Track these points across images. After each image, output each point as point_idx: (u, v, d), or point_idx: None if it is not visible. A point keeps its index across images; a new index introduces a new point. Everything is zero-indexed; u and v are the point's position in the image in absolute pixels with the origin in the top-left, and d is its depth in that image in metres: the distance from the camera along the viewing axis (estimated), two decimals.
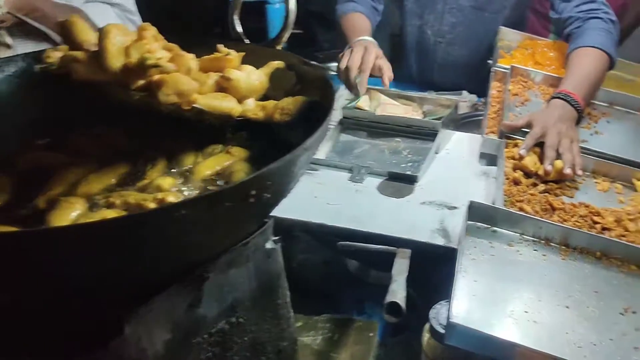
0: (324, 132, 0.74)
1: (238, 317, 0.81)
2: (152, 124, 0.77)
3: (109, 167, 0.73)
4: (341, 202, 1.23)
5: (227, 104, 0.76)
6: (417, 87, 1.94)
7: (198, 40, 0.96)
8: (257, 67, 0.87)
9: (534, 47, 1.84)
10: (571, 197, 1.25)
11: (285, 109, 0.80)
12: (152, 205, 0.64)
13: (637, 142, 1.47)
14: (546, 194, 1.23)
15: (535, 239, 1.08)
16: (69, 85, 0.77)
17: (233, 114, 0.77)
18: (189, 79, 0.72)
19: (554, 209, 1.17)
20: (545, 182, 1.27)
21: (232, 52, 0.82)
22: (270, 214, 0.81)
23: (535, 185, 1.26)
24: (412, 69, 2.12)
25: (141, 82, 0.69)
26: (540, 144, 1.33)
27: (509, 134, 1.40)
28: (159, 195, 0.65)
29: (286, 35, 0.95)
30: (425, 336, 0.95)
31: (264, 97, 0.88)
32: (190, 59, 0.74)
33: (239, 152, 0.80)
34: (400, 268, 1.00)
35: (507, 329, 0.88)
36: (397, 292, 0.92)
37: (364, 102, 1.53)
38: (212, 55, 0.81)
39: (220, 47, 0.82)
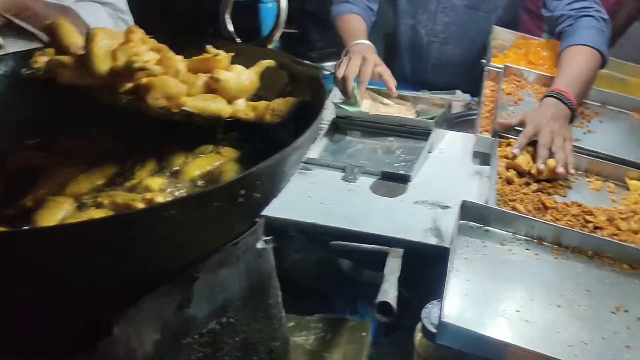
0: (315, 131, 0.74)
1: (229, 317, 0.80)
2: (141, 124, 0.76)
3: (97, 167, 0.73)
4: (334, 201, 1.22)
5: (216, 106, 0.76)
6: (410, 87, 1.94)
7: (190, 41, 0.96)
8: (249, 67, 0.87)
9: (527, 47, 1.84)
10: (564, 196, 1.25)
11: (276, 110, 0.79)
12: (140, 205, 0.64)
13: (629, 141, 1.47)
14: (539, 193, 1.23)
15: (527, 238, 1.08)
16: (59, 86, 0.77)
17: (223, 115, 0.77)
18: (178, 82, 0.72)
19: (546, 208, 1.17)
20: (538, 181, 1.27)
21: (222, 52, 0.81)
22: (262, 214, 0.80)
23: (528, 184, 1.26)
24: (406, 68, 2.12)
25: (129, 85, 0.68)
26: (533, 143, 1.33)
27: (503, 132, 1.40)
28: (148, 196, 0.65)
29: (277, 34, 0.94)
30: (418, 335, 0.95)
31: (256, 96, 0.88)
32: (178, 61, 0.73)
33: (229, 153, 0.79)
34: (392, 267, 1.00)
35: (499, 329, 0.88)
36: (389, 292, 0.91)
37: (366, 105, 1.52)
38: (202, 56, 0.80)
39: (209, 47, 0.82)
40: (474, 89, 1.76)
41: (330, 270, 1.30)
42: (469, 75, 1.94)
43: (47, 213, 0.64)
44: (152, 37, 0.93)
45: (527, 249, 1.05)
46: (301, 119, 0.75)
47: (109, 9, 1.44)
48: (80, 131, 0.84)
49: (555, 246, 1.06)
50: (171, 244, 0.62)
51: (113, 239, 0.55)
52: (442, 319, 0.85)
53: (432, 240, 1.10)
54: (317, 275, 1.31)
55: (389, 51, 2.13)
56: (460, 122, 1.67)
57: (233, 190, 0.60)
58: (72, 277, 0.57)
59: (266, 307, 0.86)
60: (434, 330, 0.88)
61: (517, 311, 0.91)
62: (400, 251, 1.06)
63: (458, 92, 1.83)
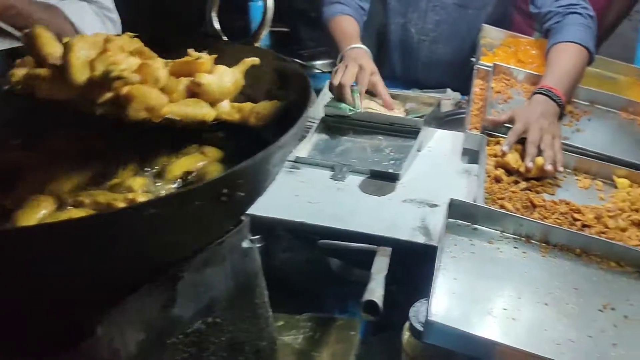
0: (300, 129, 0.73)
1: (214, 317, 0.79)
2: (124, 124, 0.75)
3: (79, 167, 0.72)
4: (322, 200, 1.22)
5: (199, 111, 0.75)
6: (401, 85, 1.94)
7: (176, 40, 0.95)
8: (235, 65, 0.86)
9: (516, 45, 1.84)
10: (552, 195, 1.25)
11: (261, 113, 0.79)
12: (121, 205, 0.63)
13: (617, 139, 1.48)
14: (527, 192, 1.23)
15: (515, 237, 1.08)
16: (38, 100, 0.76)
17: (207, 119, 0.76)
18: (158, 93, 0.71)
19: (534, 206, 1.17)
20: (527, 179, 1.27)
21: (204, 55, 0.80)
22: (248, 213, 0.80)
23: (516, 182, 1.26)
24: (396, 67, 2.12)
25: (108, 95, 0.67)
26: (523, 141, 1.33)
27: (491, 131, 1.40)
28: (130, 195, 0.64)
29: (264, 32, 0.94)
30: (406, 334, 0.94)
31: (243, 95, 0.87)
32: (159, 68, 0.72)
33: (212, 153, 0.78)
34: (380, 266, 1.00)
35: (486, 327, 0.88)
36: (375, 291, 0.91)
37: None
38: (184, 59, 0.79)
39: (191, 51, 0.81)
40: (465, 88, 1.76)
41: (319, 269, 1.29)
42: (459, 73, 1.94)
43: (26, 212, 0.63)
44: (137, 36, 0.93)
45: (515, 247, 1.05)
46: (287, 119, 0.75)
47: (94, 7, 1.42)
48: (65, 132, 0.83)
49: (543, 244, 1.06)
50: (153, 243, 0.61)
51: (93, 238, 0.54)
52: (429, 318, 0.85)
53: (420, 239, 1.10)
54: (306, 274, 1.31)
55: (380, 50, 2.13)
56: (450, 121, 1.66)
57: (215, 189, 0.60)
58: (52, 277, 0.57)
59: (253, 306, 0.86)
60: (421, 329, 0.88)
61: (505, 309, 0.91)
62: (388, 250, 1.06)
63: (448, 90, 1.83)
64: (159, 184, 0.73)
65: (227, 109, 0.79)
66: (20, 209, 0.65)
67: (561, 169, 1.28)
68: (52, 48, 0.72)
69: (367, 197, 1.24)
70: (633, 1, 2.48)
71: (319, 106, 1.56)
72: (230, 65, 0.87)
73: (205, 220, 0.66)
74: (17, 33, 1.19)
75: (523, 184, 1.25)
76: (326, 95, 1.66)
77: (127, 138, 0.75)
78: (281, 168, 0.77)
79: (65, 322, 0.64)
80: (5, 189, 0.72)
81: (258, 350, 0.89)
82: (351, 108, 1.46)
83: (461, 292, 0.94)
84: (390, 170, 1.31)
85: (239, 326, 0.84)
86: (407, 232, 1.12)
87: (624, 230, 1.13)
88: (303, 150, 1.38)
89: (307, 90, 0.79)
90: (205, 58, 0.79)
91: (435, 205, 1.20)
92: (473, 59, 1.79)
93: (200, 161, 0.76)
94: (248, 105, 0.81)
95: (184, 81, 0.77)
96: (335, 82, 1.49)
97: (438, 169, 1.36)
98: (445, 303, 0.91)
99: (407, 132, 1.44)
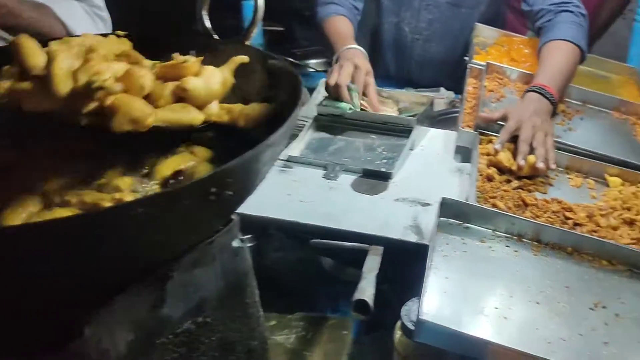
0: (290, 128, 0.73)
1: (205, 317, 0.79)
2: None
3: (66, 166, 0.71)
4: (315, 199, 1.22)
5: (187, 116, 0.74)
6: (395, 84, 1.94)
7: (166, 39, 0.95)
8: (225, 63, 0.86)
9: (509, 44, 1.85)
10: (544, 193, 1.25)
11: (250, 115, 0.78)
12: (108, 204, 0.62)
13: (609, 139, 1.48)
14: (519, 190, 1.23)
15: (507, 235, 1.08)
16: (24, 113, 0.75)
17: (195, 124, 0.76)
18: (142, 104, 0.70)
19: (526, 205, 1.17)
20: (519, 178, 1.27)
21: (190, 57, 0.79)
22: (238, 212, 0.79)
23: (508, 181, 1.26)
24: (390, 66, 2.12)
25: (92, 105, 0.67)
26: (515, 140, 1.33)
27: (484, 128, 1.40)
28: (117, 195, 0.64)
29: (254, 31, 0.93)
30: (397, 333, 0.94)
31: (235, 94, 0.87)
32: (143, 76, 0.71)
33: (202, 153, 0.78)
34: (371, 265, 0.99)
35: (477, 326, 0.87)
36: (366, 290, 0.91)
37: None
38: (170, 62, 0.78)
39: (176, 55, 0.80)
40: (458, 87, 1.76)
41: (311, 268, 1.29)
42: (453, 72, 1.94)
43: (12, 212, 0.63)
44: (127, 35, 0.92)
45: (507, 246, 1.05)
46: (278, 118, 0.74)
47: (85, 6, 1.41)
48: (52, 131, 0.82)
49: (535, 243, 1.06)
50: (141, 243, 0.61)
51: (79, 238, 0.54)
52: (420, 317, 0.85)
53: (412, 238, 1.10)
54: (298, 274, 1.30)
55: (373, 49, 2.12)
56: (444, 120, 1.66)
57: (203, 188, 0.59)
58: (38, 277, 0.56)
59: (243, 306, 0.85)
60: (412, 328, 0.88)
61: (496, 308, 0.91)
62: (380, 249, 1.06)
63: (442, 89, 1.83)
64: (147, 184, 0.72)
65: (215, 111, 0.78)
66: (5, 208, 0.64)
67: (553, 166, 1.28)
68: (36, 59, 0.71)
69: (359, 196, 1.24)
70: (626, 0, 2.49)
71: (312, 105, 1.56)
72: (221, 63, 0.87)
73: (194, 219, 0.65)
74: (6, 35, 1.18)
75: (515, 183, 1.25)
76: (320, 94, 1.66)
77: (115, 138, 0.75)
78: (271, 167, 0.77)
79: (52, 323, 0.64)
80: None
81: (249, 350, 0.88)
82: (351, 107, 1.46)
83: (452, 291, 0.93)
84: (383, 169, 1.31)
85: (230, 326, 0.84)
86: (399, 231, 1.12)
87: (615, 228, 1.13)
88: (295, 149, 1.38)
89: (297, 88, 0.78)
90: (192, 61, 0.78)
91: (428, 204, 1.20)
92: (466, 58, 1.79)
93: (190, 161, 0.76)
94: (238, 107, 0.81)
95: (170, 86, 0.76)
96: (332, 82, 1.49)
97: (431, 167, 1.36)
98: (437, 302, 0.91)
99: (399, 131, 1.43)
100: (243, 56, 0.83)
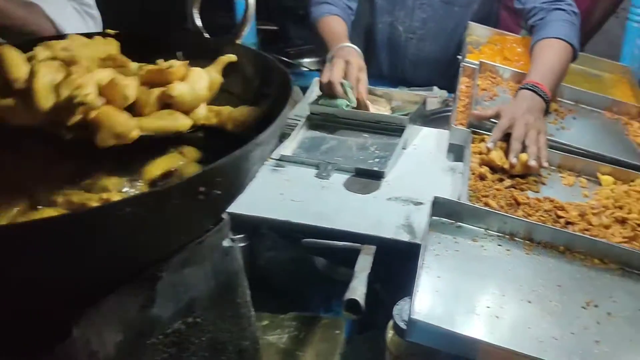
0: (280, 127, 0.72)
1: (195, 317, 0.79)
2: None
3: (54, 166, 0.71)
4: (307, 198, 1.21)
5: (174, 123, 0.74)
6: (388, 84, 1.94)
7: (156, 37, 0.94)
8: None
9: (502, 43, 1.85)
10: (537, 192, 1.25)
11: (238, 120, 0.78)
12: (95, 204, 0.62)
13: (601, 138, 1.49)
14: (512, 189, 1.23)
15: (499, 234, 1.07)
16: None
17: (183, 130, 0.75)
18: (126, 118, 0.69)
19: (518, 203, 1.17)
20: (511, 176, 1.27)
21: (175, 62, 0.78)
22: (230, 211, 0.79)
23: (501, 180, 1.26)
24: (383, 65, 2.11)
25: (75, 118, 0.66)
26: (508, 138, 1.32)
27: (477, 127, 1.40)
28: (104, 195, 0.63)
29: (246, 29, 0.93)
30: (389, 333, 0.94)
31: (225, 92, 0.86)
32: (127, 86, 0.70)
33: (191, 153, 0.77)
34: (363, 265, 0.99)
35: (469, 325, 0.87)
36: (357, 289, 0.91)
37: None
38: (156, 67, 0.77)
39: (161, 61, 0.79)
40: (452, 86, 1.76)
41: (304, 268, 1.28)
42: (446, 71, 1.94)
43: None
44: (117, 34, 0.92)
45: (499, 245, 1.05)
46: (268, 116, 0.74)
47: (74, 4, 1.40)
48: (40, 131, 0.81)
49: (527, 242, 1.06)
50: (130, 243, 0.60)
51: (65, 238, 0.53)
52: (411, 316, 0.85)
53: (405, 237, 1.10)
54: (291, 273, 1.30)
55: (367, 49, 2.12)
56: (437, 119, 1.66)
57: (191, 187, 0.59)
58: (23, 278, 0.56)
59: (234, 306, 0.85)
60: (404, 327, 0.87)
61: (488, 307, 0.91)
62: (373, 248, 1.06)
63: (435, 88, 1.83)
64: (136, 184, 0.72)
65: (203, 115, 0.78)
66: None
67: (545, 164, 1.28)
68: (18, 72, 0.70)
69: (351, 195, 1.24)
70: None
71: (305, 104, 1.55)
72: (212, 62, 0.87)
73: (183, 219, 0.65)
74: None
75: (507, 182, 1.25)
76: (313, 93, 1.66)
77: None
78: (261, 166, 0.77)
79: (39, 324, 0.63)
80: None
81: (240, 350, 0.88)
82: (347, 103, 1.46)
83: (444, 290, 0.93)
84: (375, 168, 1.30)
85: (221, 326, 0.83)
86: (391, 230, 1.12)
87: (607, 227, 1.13)
88: (288, 148, 1.38)
89: (287, 86, 0.78)
90: (177, 65, 0.78)
91: (420, 203, 1.20)
92: (459, 57, 1.79)
93: (179, 161, 0.75)
94: (226, 110, 0.80)
95: (156, 92, 0.75)
96: (325, 79, 1.49)
97: (423, 166, 1.36)
98: (429, 301, 0.91)
99: (392, 130, 1.43)
100: (231, 55, 0.82)
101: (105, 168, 0.72)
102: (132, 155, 0.73)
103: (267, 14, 2.60)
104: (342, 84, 1.47)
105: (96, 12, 1.46)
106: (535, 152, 1.27)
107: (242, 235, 1.15)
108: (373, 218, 1.15)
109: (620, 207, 1.18)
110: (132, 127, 0.68)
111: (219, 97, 0.87)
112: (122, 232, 0.57)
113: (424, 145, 1.45)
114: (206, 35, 0.98)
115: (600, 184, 1.30)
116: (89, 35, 0.85)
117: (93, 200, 0.63)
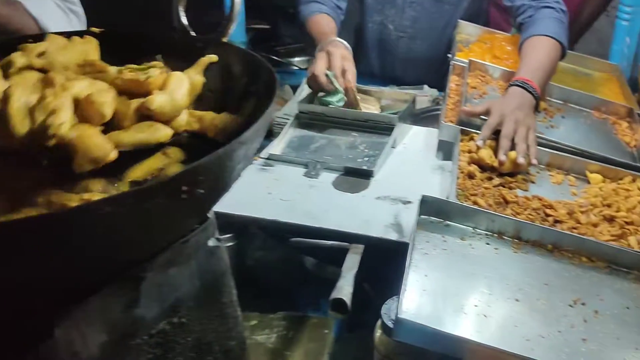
0: (264, 125, 0.72)
1: (180, 318, 0.78)
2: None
3: (34, 167, 0.70)
4: (296, 198, 1.21)
5: (154, 135, 0.73)
6: (379, 83, 1.93)
7: (141, 36, 0.94)
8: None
9: (492, 41, 1.85)
10: (526, 191, 1.25)
11: (220, 128, 0.77)
12: (75, 204, 0.61)
13: (589, 137, 1.49)
14: (500, 188, 1.23)
15: (488, 233, 1.07)
16: None
17: (164, 141, 0.75)
18: (102, 141, 0.68)
19: (507, 202, 1.17)
20: (500, 175, 1.27)
21: (153, 71, 0.77)
22: (217, 211, 0.78)
23: (490, 178, 1.26)
24: (374, 64, 2.11)
25: (51, 143, 0.65)
26: (498, 134, 1.32)
27: (466, 125, 1.40)
28: (85, 195, 0.62)
29: (231, 27, 0.92)
30: (378, 332, 0.94)
31: (211, 91, 0.86)
32: (102, 104, 0.69)
33: (175, 154, 0.76)
34: (351, 264, 0.99)
35: (456, 324, 0.87)
36: (343, 289, 0.90)
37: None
38: (134, 78, 0.76)
39: (139, 74, 0.77)
40: (442, 84, 1.76)
41: (293, 267, 1.28)
42: (437, 70, 1.94)
43: None
44: (103, 32, 0.91)
45: (488, 244, 1.05)
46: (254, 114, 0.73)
47: (57, 0, 1.39)
48: None
49: (515, 240, 1.06)
50: (111, 243, 0.60)
51: (45, 238, 0.52)
52: (399, 315, 0.84)
53: (393, 236, 1.10)
54: (280, 273, 1.30)
55: (358, 49, 2.12)
56: (427, 118, 1.66)
57: (173, 186, 0.58)
58: (3, 278, 0.55)
59: (220, 306, 0.84)
60: (392, 327, 0.87)
61: (476, 306, 0.90)
62: (361, 247, 1.06)
63: (425, 87, 1.83)
64: (120, 185, 0.71)
65: (185, 121, 0.77)
66: None
67: (535, 162, 1.28)
68: None
69: (340, 194, 1.23)
70: None
71: (295, 103, 1.55)
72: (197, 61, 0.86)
73: (166, 218, 0.64)
74: None
75: (496, 180, 1.25)
76: (303, 92, 1.66)
77: None
78: (247, 164, 0.76)
79: (20, 325, 0.62)
80: None
81: (227, 350, 0.87)
82: (339, 99, 1.45)
83: (432, 289, 0.93)
84: (364, 167, 1.30)
85: (207, 326, 0.83)
86: (380, 229, 1.11)
87: (595, 225, 1.13)
88: (276, 147, 1.37)
89: (272, 85, 0.77)
90: (155, 75, 0.77)
91: (409, 202, 1.20)
92: (449, 55, 1.79)
93: (163, 162, 0.74)
94: (209, 116, 0.80)
95: (135, 104, 0.74)
96: (310, 73, 1.49)
97: (412, 165, 1.36)
98: (416, 300, 0.90)
99: (381, 128, 1.43)
100: (211, 55, 0.82)
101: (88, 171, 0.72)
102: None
103: (258, 12, 2.59)
104: (327, 75, 1.47)
105: (80, 9, 1.44)
106: (524, 149, 1.27)
107: (228, 235, 1.14)
108: (362, 217, 1.15)
109: (609, 205, 1.19)
110: (108, 151, 0.67)
111: (205, 95, 0.86)
112: (103, 232, 0.57)
113: (414, 144, 1.45)
114: (192, 33, 0.97)
115: (588, 182, 1.30)
116: (68, 35, 0.84)
117: (73, 201, 0.62)
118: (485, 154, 1.29)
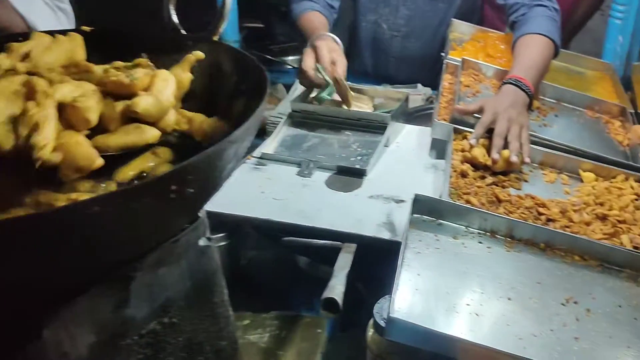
0: (255, 124, 0.71)
1: (171, 318, 0.77)
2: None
3: (22, 167, 0.69)
4: (288, 197, 1.21)
5: (141, 137, 0.72)
6: (372, 82, 1.93)
7: (132, 34, 0.93)
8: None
9: (485, 40, 1.85)
10: (518, 189, 1.25)
11: (207, 132, 0.77)
12: (62, 204, 0.61)
13: (582, 136, 1.49)
14: (493, 186, 1.23)
15: (480, 232, 1.07)
16: None
17: (152, 142, 0.74)
18: (87, 149, 0.67)
19: (500, 201, 1.17)
20: (493, 174, 1.27)
21: (137, 72, 0.77)
22: (210, 210, 0.78)
23: (483, 177, 1.26)
24: (368, 64, 2.11)
25: (37, 164, 0.65)
26: (491, 133, 1.32)
27: (459, 123, 1.40)
28: (73, 195, 0.62)
29: (222, 26, 0.92)
30: (370, 331, 0.93)
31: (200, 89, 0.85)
32: (87, 110, 0.69)
33: (165, 153, 0.76)
34: (343, 263, 0.98)
35: (448, 323, 0.87)
36: (335, 288, 0.90)
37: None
38: (118, 80, 0.75)
39: (123, 77, 0.77)
40: (436, 83, 1.76)
41: (286, 267, 1.28)
42: (431, 68, 1.94)
43: None
44: (93, 30, 0.90)
45: (480, 242, 1.05)
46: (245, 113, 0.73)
47: None
48: None
49: (508, 239, 1.06)
50: (100, 242, 0.59)
51: (32, 238, 0.52)
52: (391, 314, 0.84)
53: (385, 235, 1.09)
54: (272, 272, 1.29)
55: (351, 47, 2.12)
56: (420, 116, 1.66)
57: (162, 185, 0.58)
58: None
59: (211, 306, 0.84)
60: (384, 326, 0.87)
61: (468, 305, 0.90)
62: (353, 246, 1.05)
63: (419, 85, 1.83)
64: (109, 185, 0.70)
65: (172, 120, 0.77)
66: None
67: (527, 160, 1.28)
68: None
69: (333, 193, 1.23)
70: None
71: (288, 102, 1.54)
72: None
73: (156, 218, 0.63)
74: None
75: (489, 179, 1.25)
76: (297, 91, 1.65)
77: None
78: (237, 163, 0.76)
79: (8, 326, 0.62)
80: None
81: (218, 350, 0.87)
82: (329, 92, 1.45)
83: (424, 288, 0.93)
84: (357, 166, 1.30)
85: (198, 326, 0.82)
86: (372, 228, 1.11)
87: (588, 224, 1.13)
88: (269, 146, 1.37)
89: (263, 83, 0.77)
90: (139, 76, 0.76)
91: (402, 201, 1.20)
92: (443, 54, 1.79)
93: (152, 162, 0.74)
94: (198, 119, 0.79)
95: (121, 106, 0.73)
96: (300, 70, 1.49)
97: (405, 164, 1.35)
98: (408, 299, 0.90)
99: (374, 127, 1.43)
100: (198, 52, 0.82)
101: None
102: (105, 158, 0.71)
103: (252, 11, 2.58)
104: (317, 70, 1.46)
105: (68, 7, 1.43)
106: (517, 147, 1.27)
107: (220, 235, 1.14)
108: (354, 216, 1.15)
109: (601, 204, 1.19)
110: (94, 159, 0.66)
111: (197, 91, 0.86)
112: (91, 232, 0.56)
113: (407, 143, 1.45)
114: (183, 31, 0.97)
115: (581, 181, 1.30)
116: (53, 33, 0.83)
117: (61, 200, 0.61)
118: (479, 153, 1.29)
